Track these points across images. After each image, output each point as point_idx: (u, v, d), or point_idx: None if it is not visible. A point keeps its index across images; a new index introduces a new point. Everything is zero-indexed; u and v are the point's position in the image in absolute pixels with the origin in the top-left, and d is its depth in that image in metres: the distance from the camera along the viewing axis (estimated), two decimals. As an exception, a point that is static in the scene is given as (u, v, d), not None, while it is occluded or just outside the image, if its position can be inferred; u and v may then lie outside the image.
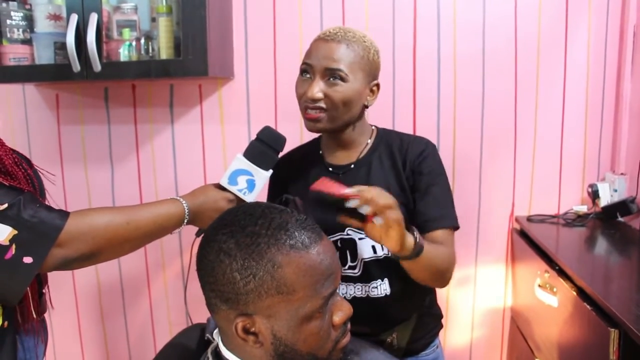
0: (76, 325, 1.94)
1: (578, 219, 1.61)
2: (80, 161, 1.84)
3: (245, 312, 0.70)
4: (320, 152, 1.22)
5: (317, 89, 1.06)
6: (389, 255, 1.09)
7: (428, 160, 1.14)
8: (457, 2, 1.63)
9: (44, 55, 1.56)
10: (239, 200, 1.10)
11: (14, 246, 0.83)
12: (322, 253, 0.72)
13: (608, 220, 1.59)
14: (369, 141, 1.19)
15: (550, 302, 1.30)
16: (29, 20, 1.57)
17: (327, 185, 0.84)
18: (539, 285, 1.37)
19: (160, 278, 1.88)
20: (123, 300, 1.91)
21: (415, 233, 0.94)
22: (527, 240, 1.57)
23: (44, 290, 1.11)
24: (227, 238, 0.71)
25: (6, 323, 0.95)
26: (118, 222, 0.95)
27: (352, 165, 1.17)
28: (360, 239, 1.13)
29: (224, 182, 1.09)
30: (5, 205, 0.84)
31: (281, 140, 1.11)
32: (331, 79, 1.06)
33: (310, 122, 1.09)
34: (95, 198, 1.85)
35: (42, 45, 1.56)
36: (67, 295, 1.92)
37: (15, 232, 0.84)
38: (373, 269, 1.14)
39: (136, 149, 1.81)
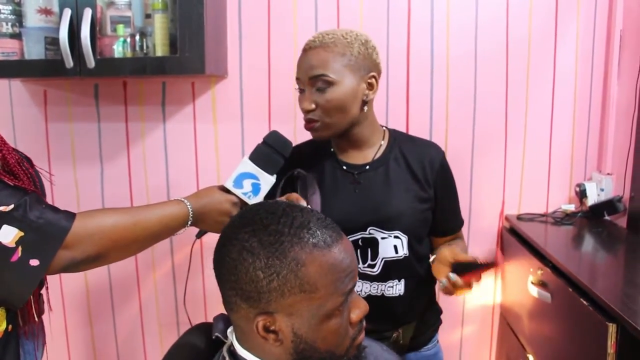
0: (63, 327, 1.90)
1: (566, 218, 1.66)
2: (68, 159, 1.80)
3: (266, 310, 0.70)
4: (332, 149, 1.22)
5: (308, 100, 1.09)
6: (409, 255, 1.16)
7: (447, 170, 1.22)
8: (450, 5, 1.66)
9: (34, 51, 1.52)
10: (243, 203, 1.09)
11: (20, 248, 0.81)
12: (343, 251, 0.73)
13: (595, 218, 1.64)
14: (383, 142, 1.20)
15: (544, 298, 1.33)
16: (18, 14, 1.53)
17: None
18: (532, 282, 1.40)
19: (150, 279, 1.85)
20: (112, 301, 1.88)
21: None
22: (517, 238, 1.60)
23: (41, 292, 1.09)
24: (250, 237, 0.70)
25: (10, 327, 0.93)
26: (125, 223, 0.93)
27: (368, 167, 1.18)
28: (382, 238, 1.14)
29: (229, 185, 1.08)
30: (11, 207, 0.82)
31: (288, 145, 1.11)
32: (319, 87, 1.07)
33: (310, 132, 1.13)
34: (84, 197, 1.82)
35: (32, 40, 1.53)
36: (54, 295, 1.87)
37: (22, 234, 0.81)
38: (392, 269, 1.16)
39: (127, 148, 1.78)
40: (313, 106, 1.08)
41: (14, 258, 0.81)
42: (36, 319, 1.00)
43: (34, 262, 0.83)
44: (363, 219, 1.14)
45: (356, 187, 1.17)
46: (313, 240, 0.70)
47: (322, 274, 0.70)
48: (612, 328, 1.00)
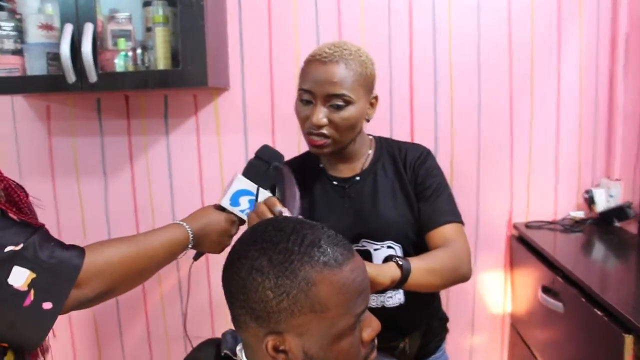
0: (70, 344, 1.88)
1: (575, 225, 1.63)
2: (72, 174, 1.79)
3: (276, 330, 0.68)
4: (321, 165, 1.20)
5: (321, 115, 1.03)
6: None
7: (427, 163, 1.16)
8: (452, 12, 1.65)
9: (36, 66, 1.52)
10: (241, 220, 1.08)
11: (32, 291, 0.76)
12: (355, 270, 0.71)
13: (605, 225, 1.61)
14: (370, 152, 1.18)
15: (555, 307, 1.31)
16: (20, 30, 1.53)
17: None
18: (543, 291, 1.38)
19: (157, 292, 1.84)
20: (118, 316, 1.86)
21: (394, 259, 0.94)
22: (527, 246, 1.58)
23: None
24: (259, 255, 0.69)
25: None
26: (131, 255, 0.91)
27: (357, 178, 1.16)
28: (375, 249, 1.12)
29: (226, 204, 1.06)
30: (21, 246, 0.76)
31: (280, 157, 1.10)
32: (335, 104, 1.02)
33: (315, 148, 1.08)
34: (88, 211, 1.80)
35: (34, 55, 1.52)
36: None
37: (34, 275, 0.76)
38: None
39: (130, 161, 1.77)
40: (326, 121, 1.03)
41: (27, 302, 0.76)
42: (42, 358, 0.96)
43: (47, 305, 0.78)
44: (354, 232, 1.12)
45: (346, 200, 1.15)
46: (324, 258, 0.68)
47: (333, 293, 0.68)
48: (628, 340, 0.98)
